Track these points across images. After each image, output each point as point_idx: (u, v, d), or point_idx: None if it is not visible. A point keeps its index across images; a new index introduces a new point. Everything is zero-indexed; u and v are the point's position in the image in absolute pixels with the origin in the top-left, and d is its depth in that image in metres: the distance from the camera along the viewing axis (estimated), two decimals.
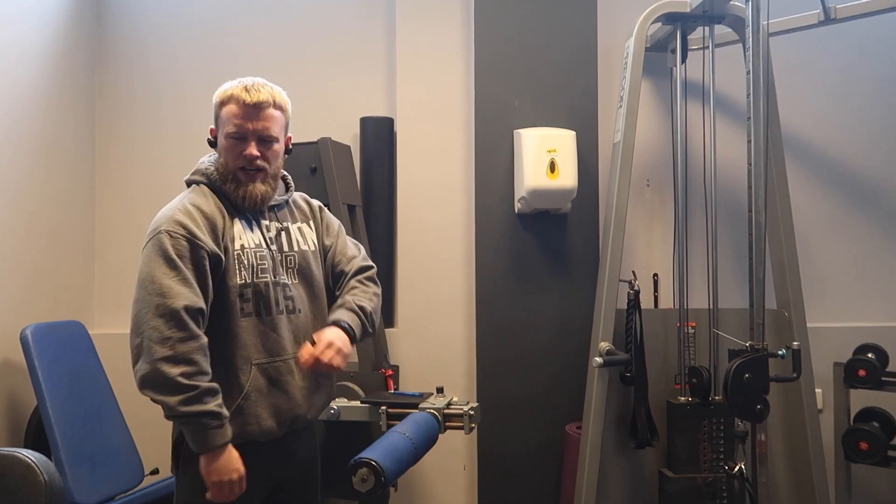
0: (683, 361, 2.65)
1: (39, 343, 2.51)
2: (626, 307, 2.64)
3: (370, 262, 1.91)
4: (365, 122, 3.12)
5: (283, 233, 1.75)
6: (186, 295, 1.55)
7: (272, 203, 1.75)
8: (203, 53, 3.22)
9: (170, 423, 1.65)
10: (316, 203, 1.90)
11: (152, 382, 1.52)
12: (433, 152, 3.09)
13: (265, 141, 1.67)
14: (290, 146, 1.78)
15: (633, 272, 2.68)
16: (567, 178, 2.79)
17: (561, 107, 2.96)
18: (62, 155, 3.04)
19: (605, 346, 2.58)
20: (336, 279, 1.86)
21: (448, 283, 3.07)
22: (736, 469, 2.38)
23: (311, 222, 1.84)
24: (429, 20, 3.10)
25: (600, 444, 2.57)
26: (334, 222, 1.90)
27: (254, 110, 1.64)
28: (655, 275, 2.95)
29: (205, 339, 1.57)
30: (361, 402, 2.41)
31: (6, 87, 2.63)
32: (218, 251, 1.62)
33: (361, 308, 1.77)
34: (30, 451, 1.39)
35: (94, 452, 2.52)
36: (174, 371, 1.51)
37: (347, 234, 1.96)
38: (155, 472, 2.70)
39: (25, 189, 2.79)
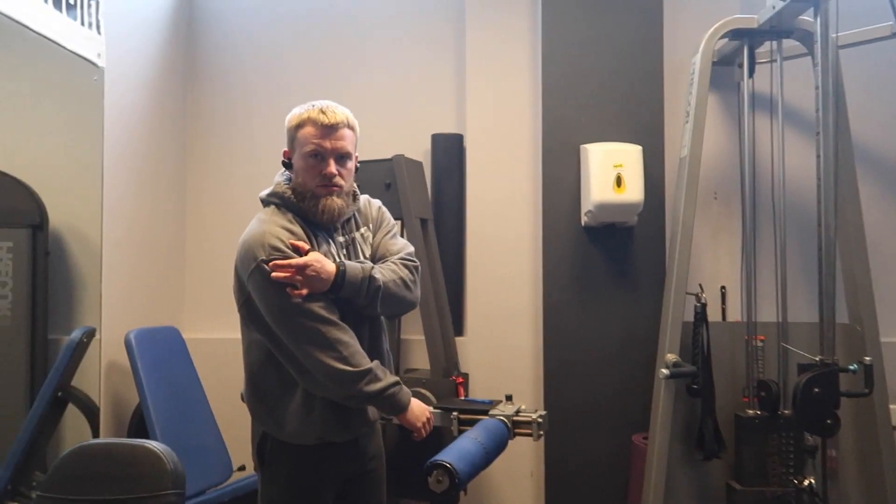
0: (752, 374, 2.66)
1: (141, 346, 2.75)
2: (692, 319, 2.66)
3: (414, 258, 1.90)
4: (436, 138, 3.25)
5: (349, 246, 1.84)
6: (317, 301, 1.69)
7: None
8: (280, 75, 3.42)
9: None
10: (376, 203, 1.95)
11: (336, 380, 1.69)
12: (501, 167, 3.19)
13: (341, 158, 1.76)
14: (358, 164, 1.85)
15: (700, 285, 2.70)
16: (633, 192, 2.83)
17: (627, 122, 3.00)
18: (160, 174, 3.29)
19: (671, 357, 2.60)
20: None
21: (516, 293, 3.16)
22: (805, 484, 2.37)
23: (371, 224, 1.90)
24: (497, 39, 3.20)
25: (667, 455, 2.60)
26: (387, 221, 1.93)
27: (330, 130, 1.74)
28: (723, 287, 2.94)
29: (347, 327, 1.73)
30: (434, 408, 2.52)
31: (115, 115, 2.85)
32: None
33: (372, 277, 1.76)
34: (157, 442, 1.57)
35: (188, 448, 2.71)
36: (347, 367, 1.68)
37: (418, 247, 2.03)
38: (242, 468, 2.90)
39: (131, 206, 3.04)
